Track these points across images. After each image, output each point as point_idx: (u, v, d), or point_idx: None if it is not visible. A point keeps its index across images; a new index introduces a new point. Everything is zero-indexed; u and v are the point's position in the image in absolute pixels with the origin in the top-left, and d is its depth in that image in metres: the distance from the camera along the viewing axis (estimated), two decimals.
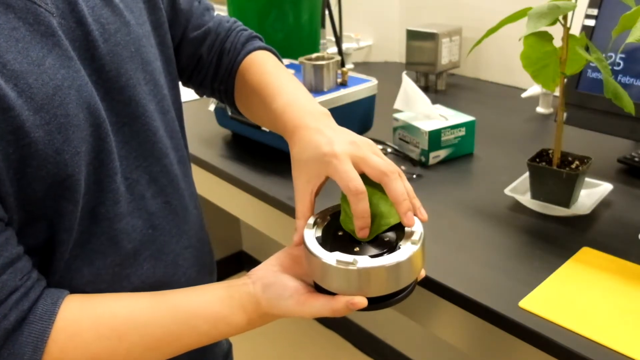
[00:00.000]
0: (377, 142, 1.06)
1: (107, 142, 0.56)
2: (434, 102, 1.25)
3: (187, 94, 1.22)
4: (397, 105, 1.16)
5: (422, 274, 0.54)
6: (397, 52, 1.73)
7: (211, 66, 0.75)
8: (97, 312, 0.52)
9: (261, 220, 1.05)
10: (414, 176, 1.05)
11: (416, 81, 1.53)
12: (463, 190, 1.01)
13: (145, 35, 0.62)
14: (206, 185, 1.16)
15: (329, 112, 0.63)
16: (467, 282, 0.76)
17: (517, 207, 0.93)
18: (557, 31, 0.82)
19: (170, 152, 0.65)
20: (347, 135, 0.57)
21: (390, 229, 0.53)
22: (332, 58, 1.14)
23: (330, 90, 1.14)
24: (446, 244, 0.85)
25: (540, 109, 1.35)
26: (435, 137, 1.09)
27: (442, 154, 1.12)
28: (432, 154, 1.10)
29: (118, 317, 0.52)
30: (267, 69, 0.71)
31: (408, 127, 1.12)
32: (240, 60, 0.74)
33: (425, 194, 1.00)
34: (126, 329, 0.51)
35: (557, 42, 0.81)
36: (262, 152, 1.12)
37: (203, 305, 0.55)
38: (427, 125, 1.10)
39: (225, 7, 1.42)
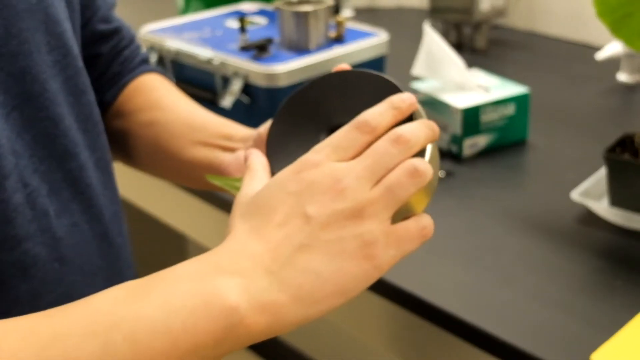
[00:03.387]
0: None
1: None
2: (470, 65, 1.25)
3: None
4: (417, 70, 1.16)
5: None
6: None
7: (102, 70, 0.79)
8: None
9: (219, 238, 1.06)
10: (441, 173, 1.06)
11: (444, 35, 1.53)
12: (511, 194, 1.02)
13: None
14: (139, 189, 1.17)
15: None
16: (515, 326, 0.78)
17: (590, 218, 0.95)
18: None
19: (82, 152, 0.66)
20: None
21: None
22: (321, 1, 1.16)
23: (319, 49, 1.15)
24: (486, 271, 0.86)
25: (622, 77, 1.37)
26: (471, 118, 1.10)
27: (481, 141, 1.13)
28: (467, 142, 1.11)
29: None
30: (183, 96, 0.80)
31: (432, 103, 1.13)
32: (137, 75, 0.81)
33: (456, 200, 1.01)
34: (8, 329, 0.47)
35: None
36: None
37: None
38: (461, 99, 1.11)
39: None
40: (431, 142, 0.52)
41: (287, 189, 0.50)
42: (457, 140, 1.12)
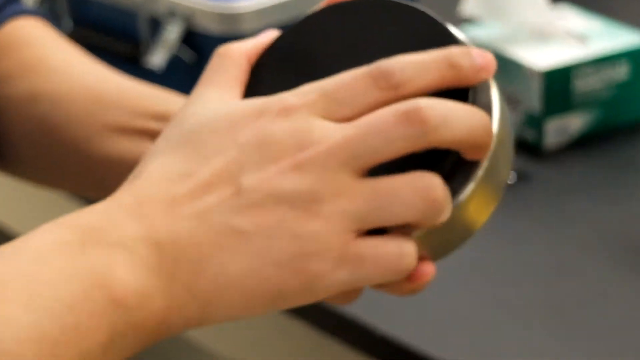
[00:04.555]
0: None
1: None
2: None
3: None
4: (471, 7, 1.14)
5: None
6: None
7: None
8: None
9: None
10: (509, 178, 1.01)
11: None
12: (626, 210, 0.99)
13: None
14: (17, 208, 1.19)
15: None
16: None
17: None
18: None
19: None
20: None
21: None
22: None
23: None
24: (587, 337, 0.84)
25: None
26: (558, 86, 1.07)
27: (574, 123, 1.08)
28: (551, 125, 1.07)
29: None
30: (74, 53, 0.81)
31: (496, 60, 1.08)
32: (2, 21, 0.81)
33: (534, 219, 0.99)
34: None
35: None
36: None
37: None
38: (540, 56, 1.08)
39: None
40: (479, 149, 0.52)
41: (234, 135, 0.52)
42: (535, 122, 1.07)
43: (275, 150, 0.50)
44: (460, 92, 0.53)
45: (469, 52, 0.52)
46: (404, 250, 0.51)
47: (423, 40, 0.55)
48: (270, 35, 0.60)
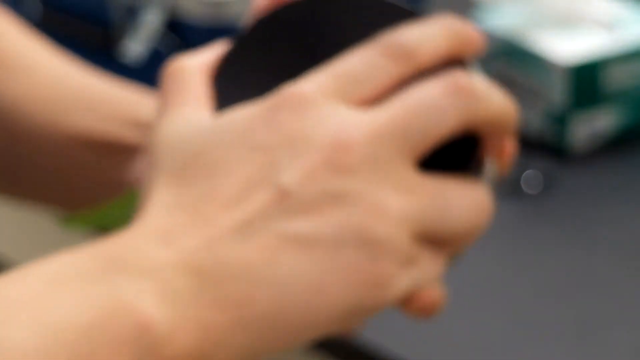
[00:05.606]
0: None
1: None
2: None
3: None
4: None
5: None
6: None
7: None
8: None
9: None
10: (527, 187, 1.05)
11: None
12: None
13: None
14: None
15: None
16: None
17: None
18: None
19: None
20: None
21: None
22: None
23: None
24: (627, 358, 0.86)
25: None
26: (586, 80, 1.07)
27: (604, 121, 1.09)
28: (578, 124, 1.08)
29: None
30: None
31: (512, 53, 1.13)
32: None
33: (562, 229, 0.99)
34: None
35: None
36: None
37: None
38: (564, 46, 1.09)
39: None
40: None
41: (251, 140, 0.51)
42: (560, 121, 1.08)
43: (310, 146, 0.49)
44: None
45: (463, 22, 0.54)
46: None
47: (390, 23, 0.56)
48: (220, 47, 0.58)
